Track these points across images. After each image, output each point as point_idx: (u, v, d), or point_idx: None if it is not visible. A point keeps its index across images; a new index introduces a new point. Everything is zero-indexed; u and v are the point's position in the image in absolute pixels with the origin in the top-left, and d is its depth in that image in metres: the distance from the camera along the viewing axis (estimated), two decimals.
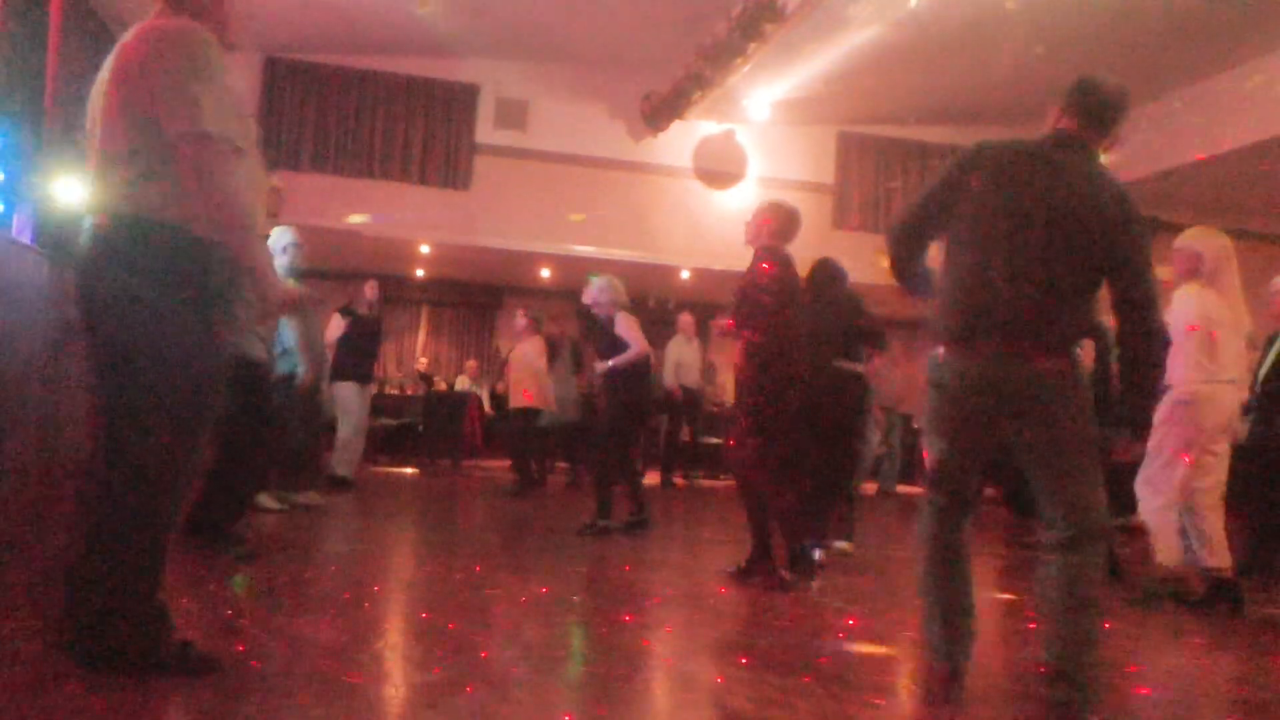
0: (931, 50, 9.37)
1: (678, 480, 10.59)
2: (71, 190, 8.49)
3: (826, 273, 5.56)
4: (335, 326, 7.64)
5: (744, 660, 3.08)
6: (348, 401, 7.58)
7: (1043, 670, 2.48)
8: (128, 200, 2.33)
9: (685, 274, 11.83)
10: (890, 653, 3.36)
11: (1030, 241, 2.50)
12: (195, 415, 2.41)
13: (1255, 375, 5.61)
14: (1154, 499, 4.29)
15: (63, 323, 4.31)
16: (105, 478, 2.38)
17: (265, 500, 5.76)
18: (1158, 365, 2.56)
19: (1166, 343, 2.56)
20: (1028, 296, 2.48)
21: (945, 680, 2.59)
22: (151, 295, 2.30)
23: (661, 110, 10.96)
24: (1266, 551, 5.62)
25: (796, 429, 4.27)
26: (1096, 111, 2.66)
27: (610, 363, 6.01)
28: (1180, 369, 4.13)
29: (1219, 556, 4.28)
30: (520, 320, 9.06)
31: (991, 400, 2.53)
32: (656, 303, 12.43)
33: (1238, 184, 10.21)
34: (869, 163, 12.41)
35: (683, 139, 11.64)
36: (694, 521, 7.54)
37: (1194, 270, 4.26)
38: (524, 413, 8.50)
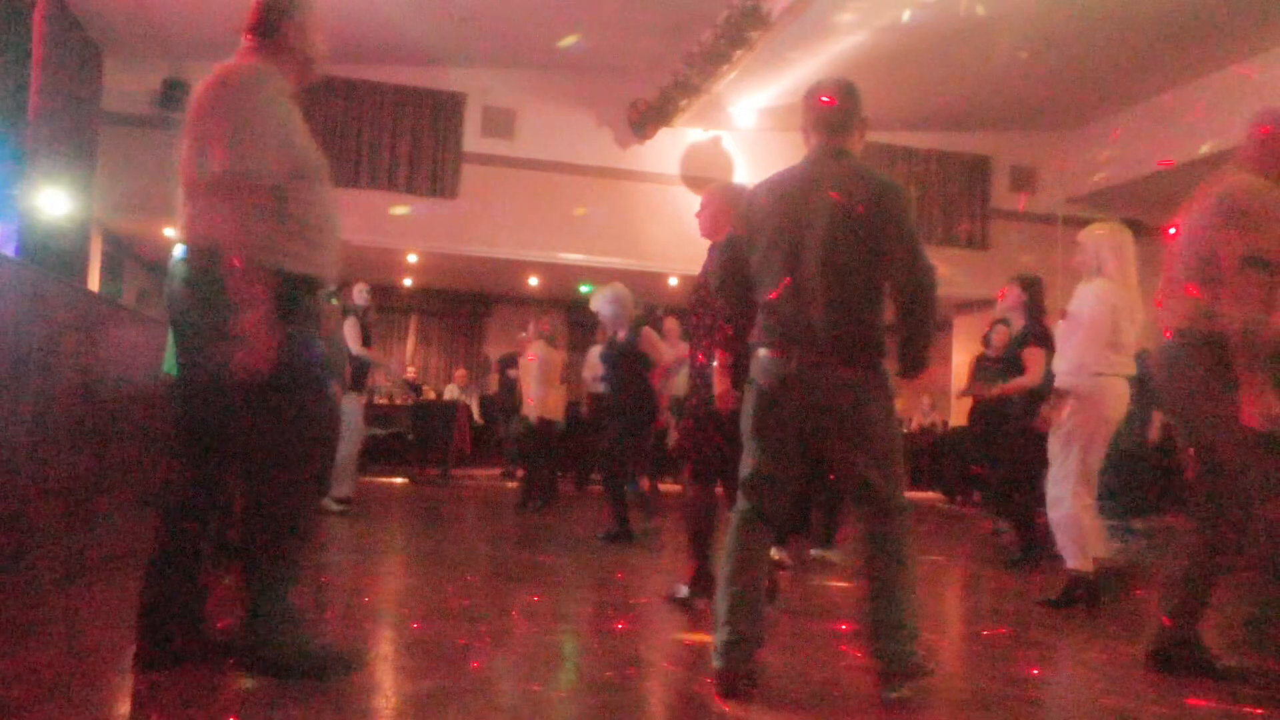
0: (917, 56, 9.42)
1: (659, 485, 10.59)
2: (54, 202, 8.45)
3: None
4: (353, 332, 6.99)
5: None
6: (351, 414, 6.89)
7: (870, 625, 2.69)
8: (201, 231, 2.48)
9: (673, 280, 11.85)
10: None
11: (810, 260, 2.69)
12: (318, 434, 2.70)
13: None
14: (1075, 499, 4.23)
15: (47, 335, 4.29)
16: (251, 505, 2.57)
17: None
18: (931, 305, 2.79)
19: (934, 284, 2.79)
20: (825, 313, 2.69)
21: (729, 681, 2.65)
22: (213, 319, 2.44)
23: (648, 117, 10.98)
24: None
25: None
26: (833, 119, 2.91)
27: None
28: (1084, 361, 4.15)
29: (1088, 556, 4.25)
30: (533, 329, 8.87)
31: (803, 404, 2.70)
32: (644, 309, 12.43)
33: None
34: None
35: (670, 146, 11.67)
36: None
37: (1097, 265, 4.29)
38: (546, 424, 8.10)
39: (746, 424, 2.77)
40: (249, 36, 2.69)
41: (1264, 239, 2.86)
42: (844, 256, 2.66)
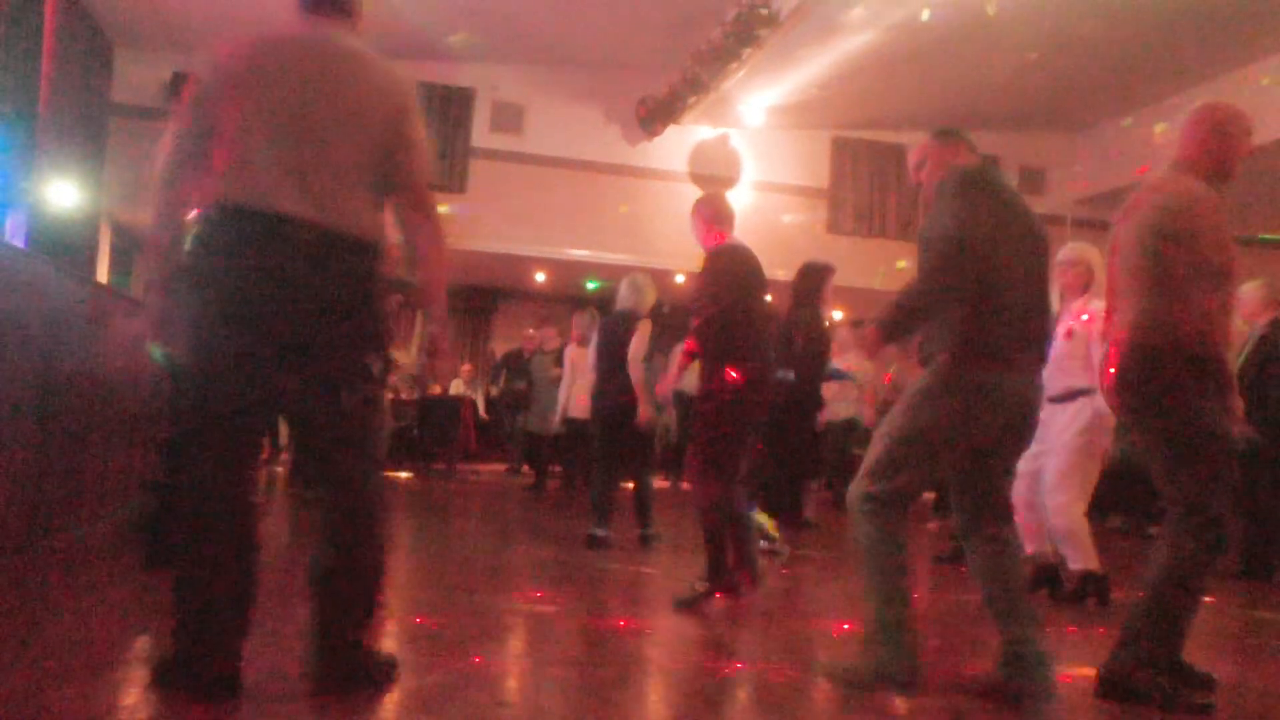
0: (926, 55, 9.40)
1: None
2: (64, 194, 8.48)
3: (797, 279, 5.61)
4: None
5: (740, 665, 3.08)
6: None
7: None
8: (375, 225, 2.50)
9: (680, 278, 11.84)
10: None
11: (1038, 271, 2.91)
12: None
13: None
14: (1078, 506, 4.32)
15: (55, 326, 4.30)
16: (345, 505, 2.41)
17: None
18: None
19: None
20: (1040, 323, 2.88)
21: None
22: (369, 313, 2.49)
23: (657, 114, 10.98)
24: (1260, 554, 5.64)
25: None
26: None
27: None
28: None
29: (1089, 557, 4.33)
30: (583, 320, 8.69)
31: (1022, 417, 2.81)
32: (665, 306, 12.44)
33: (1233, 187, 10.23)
34: (863, 168, 12.43)
35: (678, 143, 11.65)
36: (683, 526, 7.53)
37: (1086, 283, 4.33)
38: (576, 424, 7.96)
39: (940, 434, 2.72)
40: (337, 14, 2.56)
41: (1205, 249, 2.74)
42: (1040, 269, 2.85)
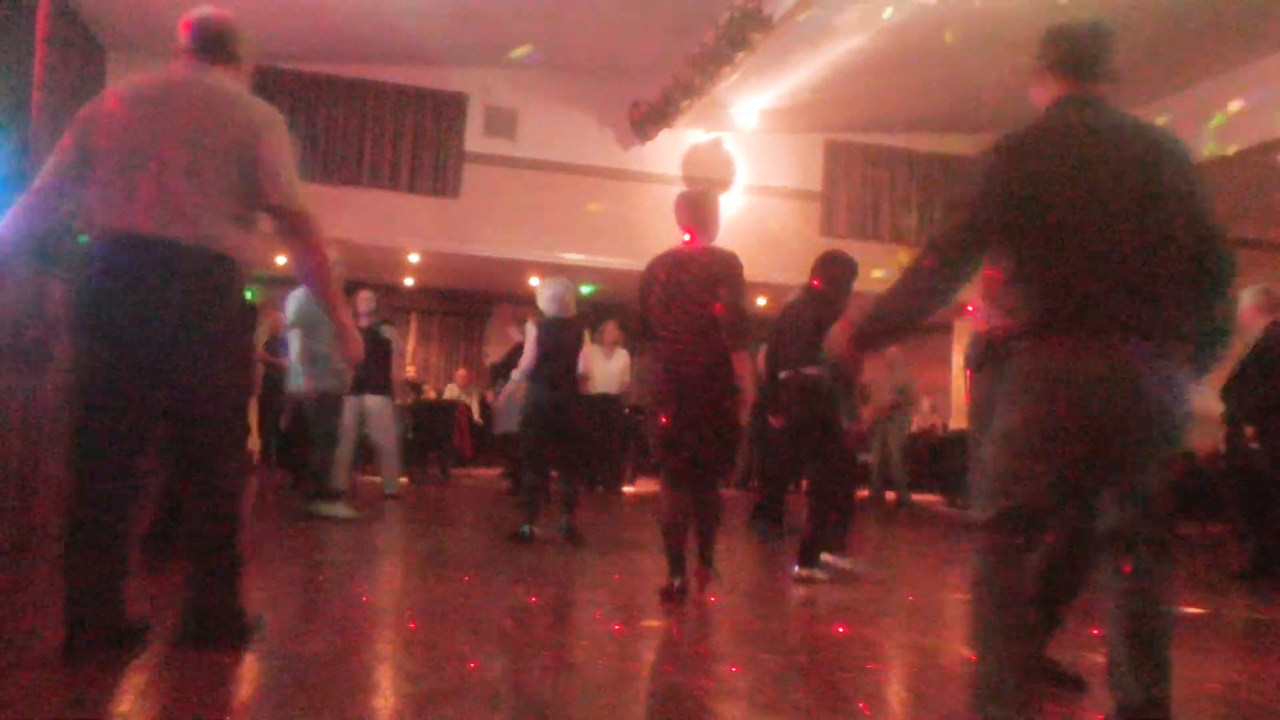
0: (919, 59, 9.43)
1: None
2: None
3: (827, 268, 5.25)
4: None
5: (734, 669, 3.08)
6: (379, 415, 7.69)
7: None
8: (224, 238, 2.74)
9: None
10: (881, 663, 3.36)
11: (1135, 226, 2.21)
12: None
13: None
14: None
15: (46, 331, 4.30)
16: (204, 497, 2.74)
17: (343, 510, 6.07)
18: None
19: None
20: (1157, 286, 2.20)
21: None
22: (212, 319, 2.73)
23: (650, 118, 10.99)
24: (1263, 557, 5.65)
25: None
26: (1099, 66, 2.39)
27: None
28: None
29: None
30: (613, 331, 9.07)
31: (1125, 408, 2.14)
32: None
33: (1230, 190, 10.28)
34: (857, 171, 12.46)
35: (671, 147, 11.67)
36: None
37: None
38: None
39: (1029, 436, 2.19)
40: (215, 56, 2.85)
41: None
42: (1167, 217, 2.22)
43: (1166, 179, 2.22)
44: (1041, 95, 2.42)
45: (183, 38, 2.82)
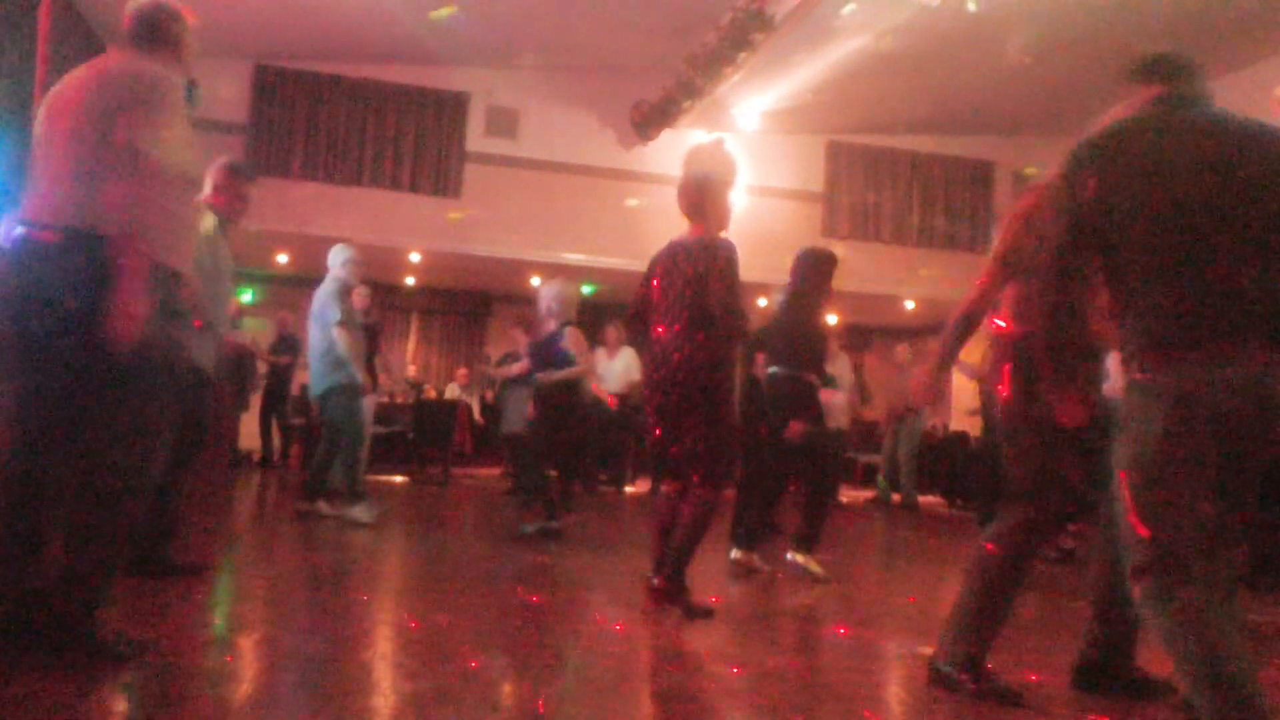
0: (921, 60, 9.43)
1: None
2: None
3: (797, 264, 5.22)
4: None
5: (734, 670, 3.08)
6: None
7: None
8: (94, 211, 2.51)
9: None
10: (882, 664, 3.36)
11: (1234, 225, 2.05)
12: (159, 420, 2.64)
13: None
14: None
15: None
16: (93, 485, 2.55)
17: (360, 513, 5.90)
18: None
19: None
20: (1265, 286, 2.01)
21: None
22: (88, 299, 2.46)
23: (651, 118, 10.99)
24: (1261, 562, 5.64)
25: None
26: (1185, 70, 2.28)
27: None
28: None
29: None
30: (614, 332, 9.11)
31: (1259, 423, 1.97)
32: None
33: None
34: (858, 171, 12.47)
35: (673, 147, 11.65)
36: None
37: None
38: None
39: (1144, 466, 2.01)
40: (141, 42, 2.79)
41: (1003, 243, 2.82)
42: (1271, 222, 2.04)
43: (1255, 174, 2.05)
44: (1128, 110, 2.32)
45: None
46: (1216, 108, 2.19)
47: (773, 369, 5.10)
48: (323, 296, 6.07)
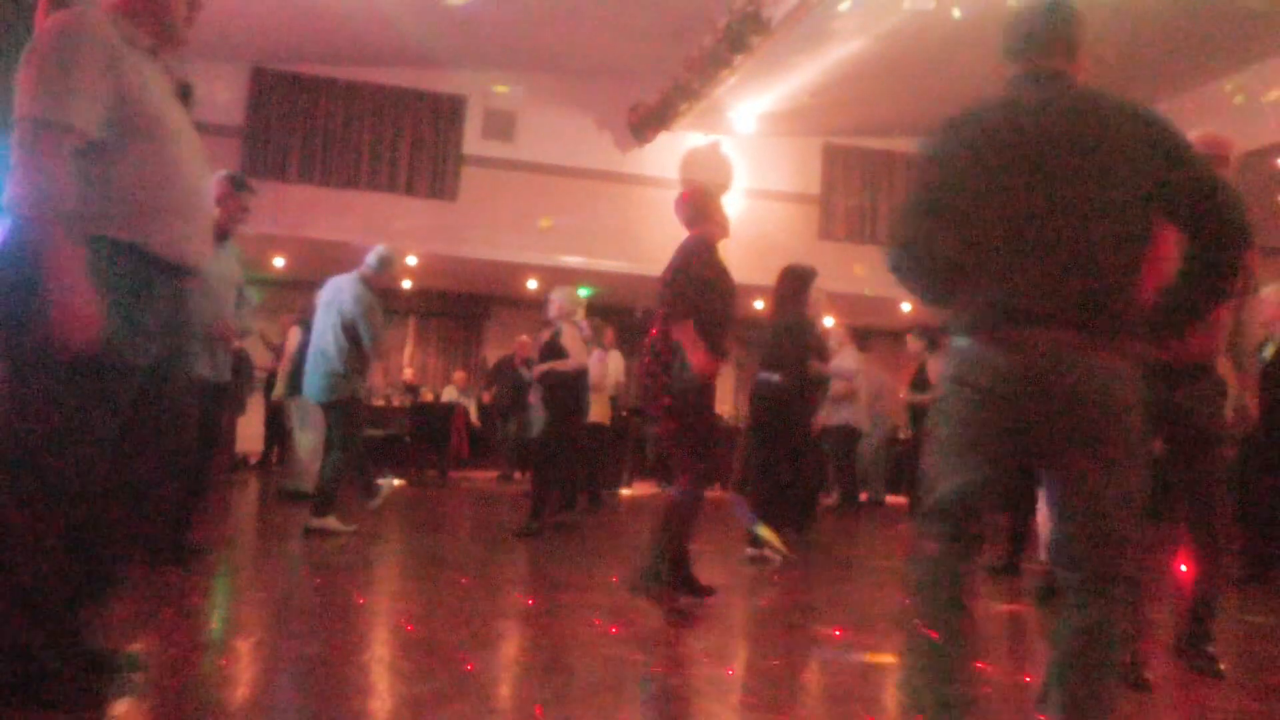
0: (917, 63, 9.45)
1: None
2: None
3: (780, 282, 5.68)
4: (293, 339, 7.70)
5: (730, 671, 3.08)
6: (313, 415, 7.23)
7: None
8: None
9: None
10: (878, 664, 3.36)
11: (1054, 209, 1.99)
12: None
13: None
14: None
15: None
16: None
17: (333, 523, 5.68)
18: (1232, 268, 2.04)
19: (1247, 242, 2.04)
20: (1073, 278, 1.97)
21: None
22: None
23: (648, 121, 11.00)
24: (1260, 562, 5.66)
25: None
26: (1046, 38, 2.18)
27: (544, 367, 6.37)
28: None
29: None
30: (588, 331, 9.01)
31: (1036, 406, 1.96)
32: (644, 313, 12.47)
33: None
34: (854, 174, 12.48)
35: (669, 150, 11.69)
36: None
37: None
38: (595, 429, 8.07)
39: (948, 436, 2.07)
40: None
41: None
42: (1103, 199, 1.97)
43: (1104, 154, 1.98)
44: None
45: None
46: (1067, 85, 2.11)
47: (760, 374, 5.54)
48: (357, 306, 5.77)
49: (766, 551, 5.35)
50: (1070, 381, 1.92)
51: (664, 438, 3.94)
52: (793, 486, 5.54)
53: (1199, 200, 1.98)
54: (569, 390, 6.35)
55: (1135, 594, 1.98)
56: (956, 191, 2.08)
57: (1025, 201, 1.99)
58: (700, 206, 4.11)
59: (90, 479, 2.21)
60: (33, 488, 2.14)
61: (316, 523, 5.66)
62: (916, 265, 2.12)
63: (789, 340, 5.50)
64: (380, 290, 6.05)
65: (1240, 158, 3.70)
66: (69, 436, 2.15)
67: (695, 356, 3.73)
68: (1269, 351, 5.70)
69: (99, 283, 2.12)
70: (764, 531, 5.19)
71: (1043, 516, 4.41)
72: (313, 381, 5.87)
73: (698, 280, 3.83)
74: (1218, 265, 2.01)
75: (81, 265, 2.09)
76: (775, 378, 5.41)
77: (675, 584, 3.89)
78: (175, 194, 2.28)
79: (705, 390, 3.87)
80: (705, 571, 4.88)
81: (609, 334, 9.43)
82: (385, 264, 5.99)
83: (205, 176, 2.45)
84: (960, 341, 2.08)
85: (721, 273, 3.97)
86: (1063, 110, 2.04)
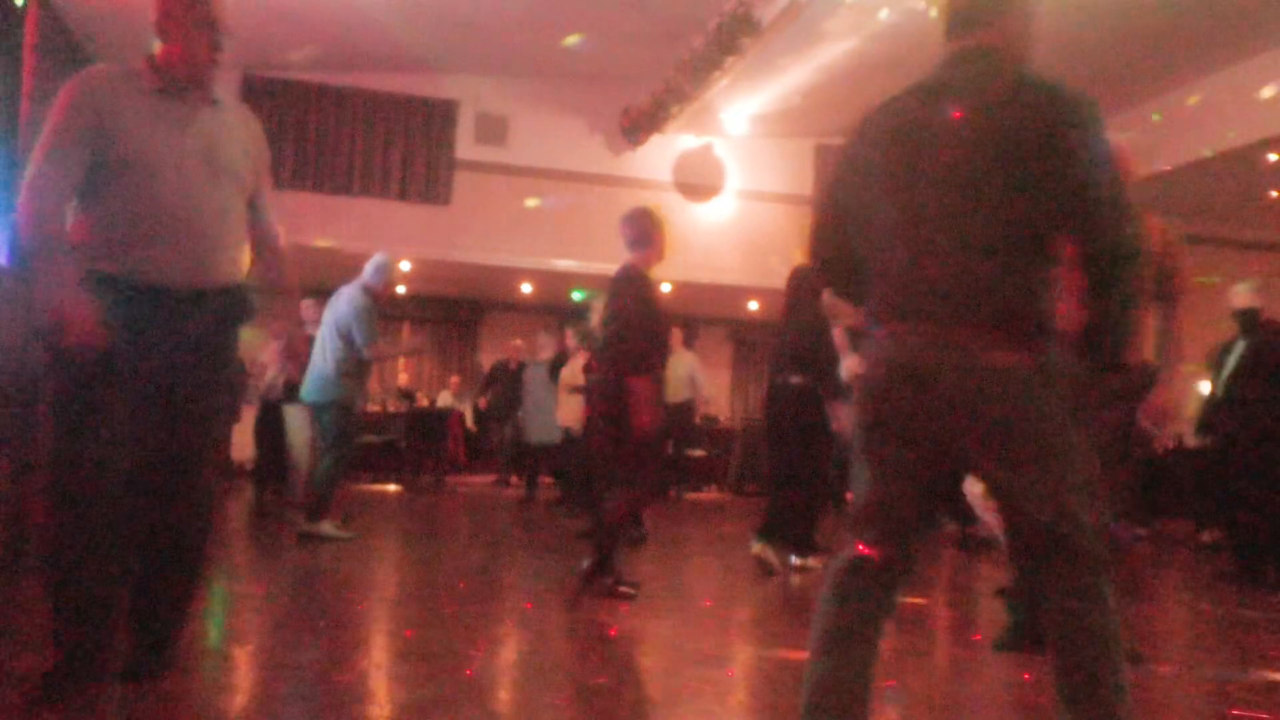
0: (908, 63, 9.37)
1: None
2: None
3: (800, 281, 5.34)
4: (271, 349, 7.43)
5: (730, 673, 3.08)
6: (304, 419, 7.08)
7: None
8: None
9: (666, 287, 11.87)
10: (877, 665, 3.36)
11: (939, 201, 1.88)
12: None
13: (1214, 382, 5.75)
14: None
15: (40, 344, 4.28)
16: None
17: (327, 528, 5.69)
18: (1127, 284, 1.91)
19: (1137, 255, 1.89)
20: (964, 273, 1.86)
21: None
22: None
23: (640, 124, 11.00)
24: (1251, 559, 5.66)
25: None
26: (967, 11, 2.06)
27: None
28: None
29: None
30: (572, 340, 8.98)
31: (927, 400, 1.86)
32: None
33: (1207, 192, 10.35)
34: None
35: (662, 152, 11.68)
36: (678, 535, 7.53)
37: None
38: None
39: (855, 438, 2.00)
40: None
41: None
42: (987, 192, 1.85)
43: (1001, 143, 1.84)
44: None
45: None
46: (989, 67, 1.96)
47: (777, 377, 5.32)
48: (351, 309, 5.86)
49: (812, 560, 5.23)
50: (955, 380, 1.82)
51: (614, 454, 4.24)
52: (814, 493, 5.30)
53: (1095, 208, 1.83)
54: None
55: (1103, 575, 1.82)
56: (859, 185, 2.02)
57: (923, 193, 1.88)
58: (643, 230, 4.32)
59: (97, 482, 2.33)
60: (53, 487, 2.37)
61: (308, 527, 5.65)
62: (827, 264, 2.15)
63: (811, 342, 5.20)
64: (383, 298, 6.10)
65: (1140, 180, 3.75)
66: (70, 443, 2.34)
67: (644, 417, 4.03)
68: (1237, 351, 5.73)
69: (93, 310, 2.29)
70: (761, 547, 5.06)
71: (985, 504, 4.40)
72: (308, 383, 5.95)
73: (641, 329, 4.13)
74: (1110, 279, 1.87)
75: (66, 281, 2.29)
76: (796, 379, 5.15)
77: (617, 575, 4.28)
78: (161, 222, 2.41)
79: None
80: (707, 573, 4.89)
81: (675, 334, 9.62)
82: (381, 270, 6.09)
83: (209, 199, 2.51)
84: (867, 338, 2.01)
85: (654, 300, 4.25)
86: (973, 94, 1.91)
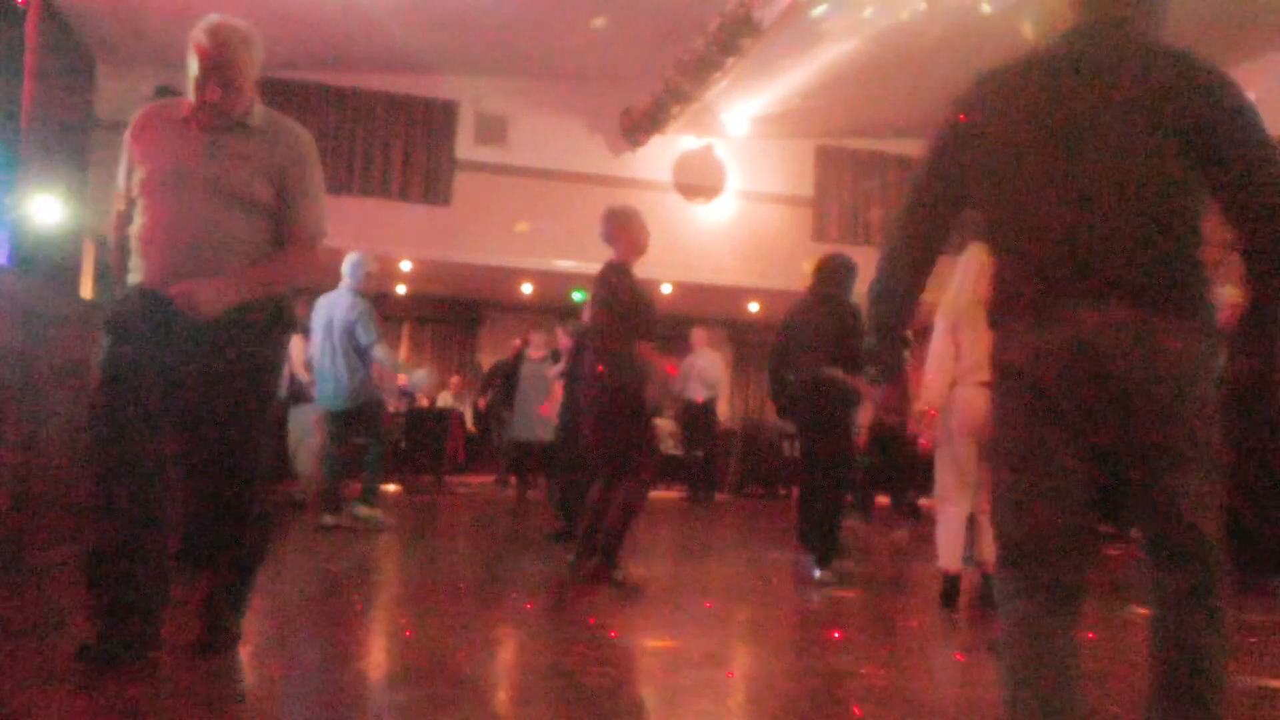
0: (910, 64, 9.46)
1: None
2: (47, 210, 8.44)
3: (834, 272, 5.19)
4: (298, 348, 7.54)
5: (730, 675, 3.08)
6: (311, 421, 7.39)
7: None
8: None
9: (666, 287, 11.87)
10: (877, 666, 3.36)
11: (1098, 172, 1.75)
12: None
13: None
14: (943, 504, 4.37)
15: (39, 344, 4.28)
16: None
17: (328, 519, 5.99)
18: None
19: None
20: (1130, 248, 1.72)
21: None
22: None
23: (641, 125, 11.01)
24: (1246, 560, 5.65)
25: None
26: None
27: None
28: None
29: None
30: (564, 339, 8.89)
31: (1092, 392, 1.71)
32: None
33: None
34: (848, 176, 12.49)
35: (662, 153, 11.69)
36: (681, 535, 7.54)
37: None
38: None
39: (999, 442, 1.82)
40: None
41: None
42: (1161, 169, 1.73)
43: (1143, 113, 1.74)
44: None
45: None
46: (1124, 38, 1.86)
47: (807, 370, 5.04)
48: (353, 314, 6.01)
49: (849, 564, 5.16)
50: (1137, 361, 1.67)
51: (616, 443, 4.38)
52: (841, 495, 5.16)
53: (1262, 191, 1.71)
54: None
55: (1227, 597, 1.73)
56: (980, 160, 1.87)
57: (1089, 169, 1.74)
58: (611, 227, 4.58)
59: (116, 465, 2.60)
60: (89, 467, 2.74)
61: (364, 511, 6.24)
62: (917, 241, 2.00)
63: (844, 333, 4.94)
64: (373, 296, 6.20)
65: None
66: (96, 430, 2.69)
67: (663, 370, 4.45)
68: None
69: (125, 319, 2.69)
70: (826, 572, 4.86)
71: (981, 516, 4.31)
72: (327, 392, 6.19)
73: (622, 313, 4.39)
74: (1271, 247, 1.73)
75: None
76: (837, 373, 4.89)
77: (618, 564, 4.42)
78: (174, 236, 2.70)
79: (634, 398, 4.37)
80: (708, 574, 4.89)
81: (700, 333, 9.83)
82: (358, 267, 6.24)
83: (198, 216, 2.75)
84: (999, 331, 1.84)
85: (633, 289, 4.48)
86: (1109, 67, 1.79)
